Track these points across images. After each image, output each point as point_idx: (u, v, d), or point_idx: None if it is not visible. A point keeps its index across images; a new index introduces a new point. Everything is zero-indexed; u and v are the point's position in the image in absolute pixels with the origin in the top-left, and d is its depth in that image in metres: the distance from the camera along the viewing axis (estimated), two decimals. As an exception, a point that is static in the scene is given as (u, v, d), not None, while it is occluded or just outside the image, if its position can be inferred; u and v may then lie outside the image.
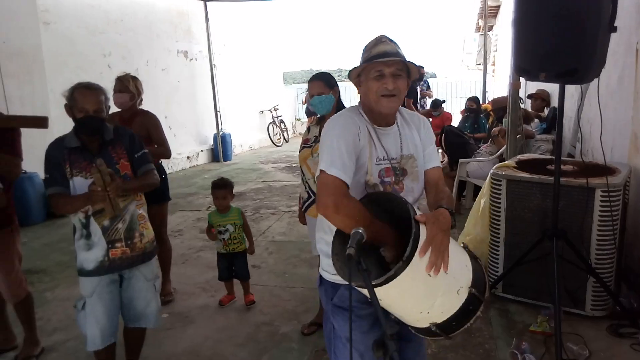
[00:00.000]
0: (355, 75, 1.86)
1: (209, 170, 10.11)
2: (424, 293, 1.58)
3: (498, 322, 3.39)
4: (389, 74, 1.75)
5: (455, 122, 8.88)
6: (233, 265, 3.81)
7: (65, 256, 5.01)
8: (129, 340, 2.86)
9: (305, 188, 3.18)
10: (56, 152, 2.46)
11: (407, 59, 1.78)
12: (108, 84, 8.32)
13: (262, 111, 13.79)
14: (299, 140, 11.88)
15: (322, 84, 3.09)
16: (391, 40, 1.82)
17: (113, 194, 2.37)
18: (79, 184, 2.43)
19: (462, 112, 8.36)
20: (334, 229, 1.77)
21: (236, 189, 7.80)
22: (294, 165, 10.41)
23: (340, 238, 1.67)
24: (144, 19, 9.11)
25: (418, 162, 1.88)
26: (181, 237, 5.66)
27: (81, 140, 2.49)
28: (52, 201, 2.46)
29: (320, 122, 3.15)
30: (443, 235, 1.54)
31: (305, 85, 17.40)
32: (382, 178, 1.80)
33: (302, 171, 3.20)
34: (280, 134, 14.11)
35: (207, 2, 10.30)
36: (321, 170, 1.68)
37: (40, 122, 3.11)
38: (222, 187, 3.76)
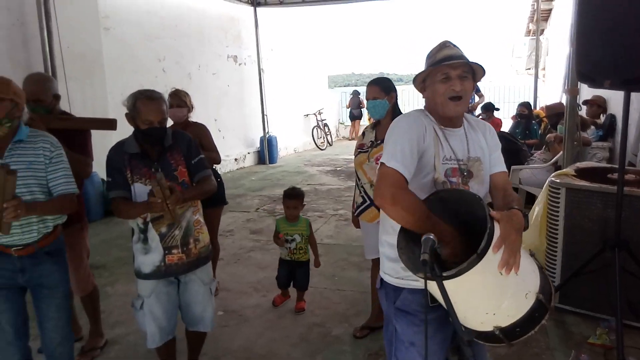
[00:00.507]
0: (420, 81, 1.89)
1: (256, 172, 10.30)
2: (493, 292, 1.58)
3: (555, 333, 3.32)
4: (456, 76, 1.78)
5: (504, 127, 8.71)
6: (293, 273, 3.87)
7: (123, 252, 5.23)
8: (190, 341, 2.94)
9: (360, 192, 3.21)
10: (117, 157, 2.51)
11: (472, 61, 1.80)
12: (162, 88, 8.57)
13: (307, 115, 13.93)
14: (342, 144, 12.08)
15: (378, 89, 3.12)
16: (454, 45, 1.85)
17: (173, 206, 2.39)
18: (139, 190, 2.48)
19: (513, 118, 8.20)
20: (396, 228, 1.79)
21: (280, 192, 7.97)
22: (338, 169, 10.47)
23: (405, 232, 1.68)
24: (197, 25, 9.38)
25: (484, 165, 1.89)
26: (232, 237, 5.80)
27: (141, 147, 2.53)
28: (113, 205, 2.52)
29: (376, 127, 3.18)
30: (516, 234, 1.55)
31: (348, 89, 17.49)
32: (447, 178, 1.81)
33: (357, 176, 3.24)
34: (324, 138, 14.20)
35: (257, 8, 10.51)
36: (381, 163, 1.71)
37: (110, 124, 3.28)
38: (294, 197, 3.81)
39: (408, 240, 1.68)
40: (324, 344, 3.34)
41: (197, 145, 2.70)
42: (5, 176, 2.04)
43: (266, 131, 11.28)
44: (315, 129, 13.94)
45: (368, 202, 3.14)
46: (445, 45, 1.84)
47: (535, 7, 12.19)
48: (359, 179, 3.21)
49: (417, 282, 1.76)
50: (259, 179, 9.50)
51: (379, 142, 3.10)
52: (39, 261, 2.39)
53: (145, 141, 2.51)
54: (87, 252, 3.23)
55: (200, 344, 2.99)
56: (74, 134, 2.81)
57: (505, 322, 1.60)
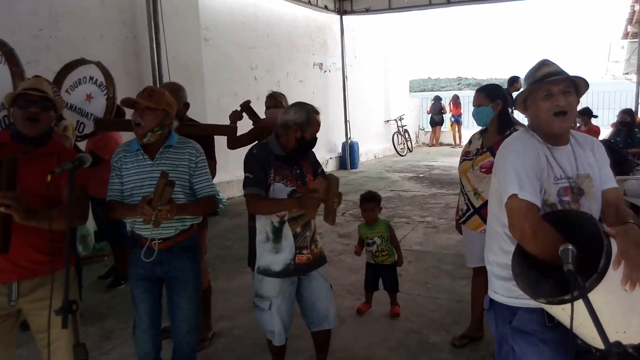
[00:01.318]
0: (522, 101, 1.89)
1: (338, 177, 10.44)
2: (619, 310, 1.55)
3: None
4: (558, 92, 1.77)
5: (602, 136, 8.26)
6: (380, 276, 3.94)
7: (220, 250, 5.53)
8: (318, 342, 3.00)
9: (465, 200, 3.22)
10: (263, 156, 2.66)
11: (574, 76, 1.79)
12: (253, 95, 8.97)
13: (388, 120, 13.93)
14: (423, 150, 11.92)
15: (483, 96, 3.11)
16: (553, 63, 1.85)
17: (337, 205, 2.57)
18: (279, 189, 2.63)
19: (612, 126, 7.76)
20: (506, 249, 1.80)
21: (367, 198, 8.06)
22: (420, 175, 10.39)
23: (520, 258, 1.68)
24: (287, 34, 9.72)
25: (594, 182, 1.85)
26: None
27: (284, 150, 2.70)
28: (251, 200, 2.62)
29: (483, 134, 3.17)
30: (636, 248, 1.52)
31: (424, 94, 17.19)
32: (560, 197, 1.80)
33: (461, 183, 3.25)
34: (404, 144, 14.13)
35: (343, 16, 10.70)
36: (513, 195, 1.70)
37: (230, 130, 3.52)
38: (370, 200, 3.89)
39: (522, 264, 1.68)
40: (423, 350, 3.38)
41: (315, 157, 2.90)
42: (164, 186, 2.27)
43: (348, 137, 11.42)
44: (395, 135, 13.90)
45: (472, 210, 3.15)
46: (544, 63, 1.85)
47: (635, 9, 11.46)
48: (463, 187, 3.22)
49: (533, 301, 1.78)
50: (342, 184, 9.53)
51: (484, 150, 3.10)
52: (175, 255, 2.60)
53: (301, 151, 2.70)
54: (205, 249, 3.46)
55: (327, 343, 3.03)
56: (200, 140, 3.04)
57: (638, 339, 1.57)
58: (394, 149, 13.77)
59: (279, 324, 2.75)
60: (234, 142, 3.78)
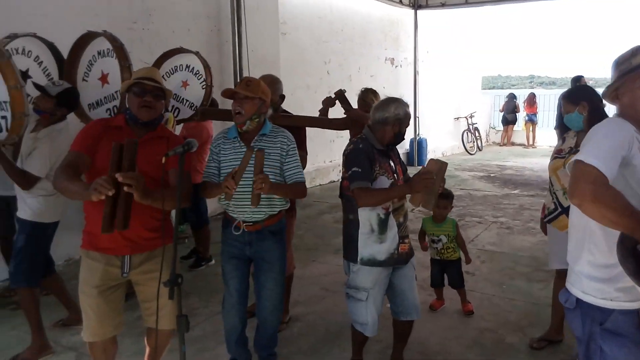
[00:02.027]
0: (613, 91, 1.82)
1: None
2: None
3: None
4: None
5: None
6: (445, 272, 3.93)
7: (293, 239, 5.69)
8: (401, 332, 3.06)
9: (552, 199, 3.15)
10: (369, 150, 2.72)
11: None
12: (325, 89, 9.10)
13: (457, 118, 13.66)
14: (493, 149, 11.57)
15: (567, 102, 3.07)
16: None
17: (440, 190, 2.67)
18: (382, 182, 2.69)
19: None
20: (602, 249, 1.76)
21: (436, 195, 7.98)
22: (492, 175, 10.15)
23: (625, 249, 1.60)
24: (360, 29, 9.76)
25: None
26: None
27: (382, 144, 2.78)
28: (362, 193, 2.61)
29: (578, 132, 3.10)
30: None
31: (495, 92, 16.55)
32: None
33: (550, 182, 3.19)
34: (474, 142, 13.80)
35: (418, 10, 10.59)
36: (577, 161, 1.61)
37: (323, 123, 3.62)
38: (445, 197, 3.84)
39: (626, 255, 1.64)
40: (499, 350, 3.35)
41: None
42: (256, 153, 2.43)
43: (417, 133, 11.32)
44: (465, 133, 13.61)
45: (560, 209, 3.08)
46: (638, 50, 1.76)
47: None
48: (552, 185, 3.16)
49: (630, 303, 1.74)
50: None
51: (577, 149, 3.03)
52: (264, 237, 2.76)
53: (395, 143, 2.82)
54: (292, 237, 3.61)
55: (409, 334, 3.08)
56: (293, 131, 3.17)
57: None
58: (462, 147, 13.50)
59: (373, 315, 2.81)
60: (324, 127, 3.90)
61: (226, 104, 5.76)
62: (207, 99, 4.25)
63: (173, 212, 2.61)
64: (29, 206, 3.20)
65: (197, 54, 4.23)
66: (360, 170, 2.64)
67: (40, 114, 3.20)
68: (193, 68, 4.33)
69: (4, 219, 3.99)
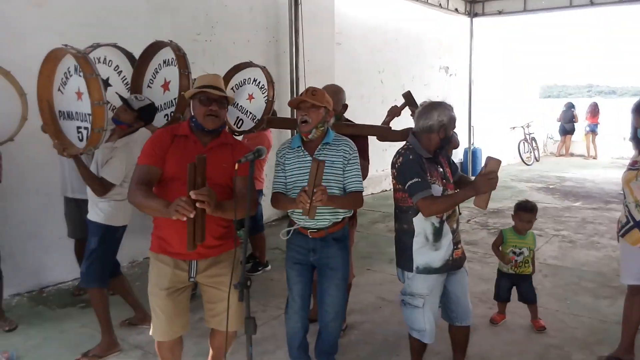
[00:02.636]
0: None
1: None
2: None
3: None
4: None
5: None
6: (514, 287, 3.81)
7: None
8: (459, 339, 3.01)
9: (625, 212, 3.03)
10: (420, 160, 2.72)
11: None
12: (379, 98, 9.08)
13: (514, 127, 13.29)
14: (551, 160, 11.17)
15: (635, 117, 2.99)
16: None
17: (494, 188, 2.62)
18: (435, 191, 2.67)
19: None
20: None
21: (492, 205, 7.77)
22: (551, 186, 9.82)
23: None
24: (415, 38, 9.72)
25: None
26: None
27: (426, 150, 2.77)
28: (427, 202, 2.59)
29: None
30: None
31: (550, 101, 15.88)
32: None
33: (624, 193, 3.06)
34: (530, 152, 13.39)
35: (474, 19, 10.43)
36: None
37: (385, 131, 3.64)
38: (530, 211, 3.76)
39: None
40: (565, 367, 3.24)
41: None
42: (318, 165, 2.43)
43: (471, 143, 11.11)
44: (521, 143, 13.22)
45: (632, 223, 2.96)
46: None
47: None
48: (625, 197, 3.04)
49: None
50: (464, 190, 9.39)
51: None
52: (328, 245, 2.80)
53: (442, 147, 2.78)
54: (352, 244, 3.63)
55: (466, 342, 3.04)
56: (355, 139, 3.20)
57: None
58: (519, 158, 13.11)
59: (431, 321, 2.80)
60: (384, 137, 3.88)
61: (284, 114, 5.88)
62: (267, 112, 4.35)
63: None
64: (100, 210, 3.36)
65: (263, 69, 4.34)
66: (419, 180, 2.63)
67: (118, 124, 3.36)
68: (259, 82, 4.45)
69: (77, 222, 4.22)
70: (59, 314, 4.14)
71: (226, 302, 2.55)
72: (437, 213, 2.67)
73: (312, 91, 2.72)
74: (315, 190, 2.42)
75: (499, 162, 2.58)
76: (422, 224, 2.72)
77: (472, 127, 11.04)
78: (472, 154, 11.14)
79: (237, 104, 4.19)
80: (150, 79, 3.90)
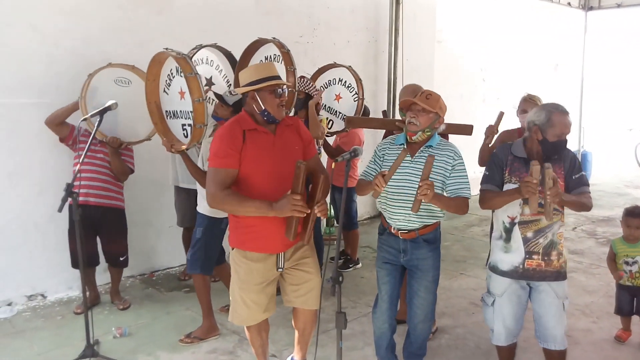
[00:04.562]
0: None
1: (550, 167, 9.57)
2: None
3: None
4: None
5: None
6: (635, 299, 3.53)
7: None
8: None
9: None
10: (502, 156, 2.71)
11: None
12: (479, 98, 8.74)
13: (631, 129, 12.16)
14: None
15: None
16: None
17: (551, 198, 2.38)
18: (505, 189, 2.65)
19: None
20: None
21: (602, 213, 7.23)
22: (675, 195, 8.89)
23: None
24: (521, 34, 9.21)
25: None
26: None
27: (527, 152, 2.67)
28: (482, 195, 2.73)
29: None
30: None
31: None
32: None
33: None
34: (650, 157, 12.17)
35: (588, 12, 9.71)
36: None
37: (466, 129, 3.57)
38: (638, 216, 3.49)
39: None
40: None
41: (580, 163, 2.73)
42: (429, 160, 2.50)
43: (580, 145, 10.36)
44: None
45: None
46: None
47: None
48: None
49: None
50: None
51: None
52: (418, 246, 2.80)
53: (551, 153, 2.60)
54: None
55: None
56: None
57: None
58: (636, 162, 11.98)
59: (498, 324, 2.77)
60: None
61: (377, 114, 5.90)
62: (359, 111, 4.40)
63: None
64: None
65: (349, 68, 4.40)
66: (487, 173, 2.75)
67: (218, 120, 3.59)
68: (345, 81, 4.52)
69: (186, 211, 4.57)
70: (166, 296, 4.52)
71: (310, 282, 2.78)
72: (487, 207, 2.74)
73: (426, 94, 2.72)
74: (421, 184, 2.44)
75: (543, 168, 2.39)
76: (497, 220, 2.75)
77: (582, 128, 10.29)
78: (582, 157, 10.37)
79: (325, 105, 4.28)
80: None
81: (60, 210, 3.02)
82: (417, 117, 2.67)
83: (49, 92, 4.19)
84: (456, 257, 5.44)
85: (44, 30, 4.24)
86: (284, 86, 2.60)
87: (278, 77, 2.58)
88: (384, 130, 3.97)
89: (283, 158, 2.58)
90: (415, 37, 7.18)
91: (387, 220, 2.86)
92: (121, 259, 4.23)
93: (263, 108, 2.55)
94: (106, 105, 3.44)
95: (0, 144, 4.11)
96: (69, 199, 3.06)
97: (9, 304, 4.20)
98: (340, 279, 2.40)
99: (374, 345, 3.12)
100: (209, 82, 3.94)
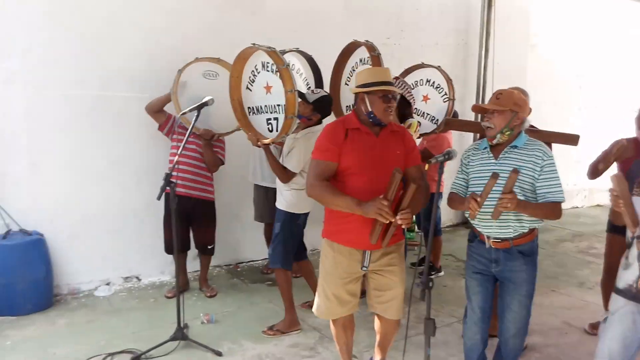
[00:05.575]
0: None
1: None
2: None
3: None
4: None
5: None
6: None
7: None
8: None
9: None
10: (636, 168, 2.49)
11: None
12: (574, 106, 8.22)
13: None
14: None
15: None
16: None
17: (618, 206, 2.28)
18: (635, 203, 2.38)
19: None
20: None
21: None
22: None
23: None
24: (625, 38, 8.59)
25: None
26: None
27: None
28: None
29: None
30: None
31: None
32: None
33: None
34: None
35: None
36: None
37: (572, 139, 3.36)
38: None
39: None
40: None
41: None
42: (512, 175, 2.36)
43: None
44: None
45: None
46: None
47: None
48: None
49: None
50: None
51: None
52: (512, 257, 2.64)
53: None
54: None
55: None
56: None
57: None
58: None
59: (602, 346, 2.48)
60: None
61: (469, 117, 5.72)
62: (449, 112, 4.28)
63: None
64: (284, 198, 3.66)
65: (438, 68, 4.30)
66: None
67: (300, 118, 3.64)
68: (434, 82, 4.41)
69: (262, 207, 4.69)
70: (250, 288, 4.64)
71: (393, 290, 2.75)
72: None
73: (497, 95, 2.62)
74: (502, 197, 2.37)
75: (621, 180, 2.27)
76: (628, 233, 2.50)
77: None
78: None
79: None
80: (348, 77, 4.14)
81: (159, 198, 3.22)
82: (492, 120, 2.57)
83: (149, 87, 4.44)
84: (547, 273, 5.14)
85: (146, 29, 4.51)
86: (394, 93, 2.64)
87: (390, 84, 2.64)
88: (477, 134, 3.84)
89: (382, 161, 2.58)
90: (507, 40, 6.90)
91: (477, 228, 2.74)
92: (209, 247, 4.43)
93: (370, 110, 2.62)
94: (203, 100, 3.58)
95: (104, 135, 4.42)
96: (167, 188, 3.23)
97: (107, 284, 4.51)
98: (431, 284, 2.34)
99: (458, 356, 3.01)
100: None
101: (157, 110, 4.20)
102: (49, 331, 3.69)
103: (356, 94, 2.68)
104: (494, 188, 2.43)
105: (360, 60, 4.01)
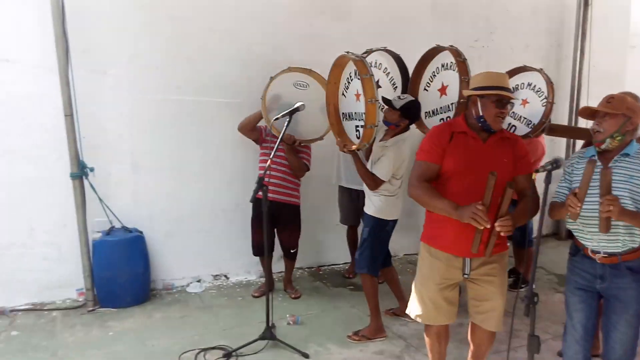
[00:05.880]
0: None
1: None
2: None
3: None
4: None
5: None
6: None
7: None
8: None
9: None
10: None
11: None
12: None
13: None
14: None
15: None
16: None
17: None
18: None
19: None
20: None
21: None
22: None
23: None
24: None
25: None
26: None
27: None
28: None
29: None
30: None
31: None
32: None
33: None
34: None
35: None
36: None
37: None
38: None
39: None
40: None
41: None
42: (604, 173, 2.27)
43: None
44: None
45: None
46: None
47: None
48: None
49: None
50: None
51: None
52: (620, 273, 2.47)
53: None
54: None
55: None
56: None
57: None
58: None
59: None
60: None
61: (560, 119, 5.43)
62: (546, 115, 4.09)
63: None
64: (373, 203, 3.65)
65: (540, 71, 4.12)
66: None
67: (388, 125, 3.62)
68: (535, 86, 4.23)
69: (348, 209, 4.70)
70: (332, 291, 4.68)
71: (492, 302, 2.70)
72: None
73: (607, 98, 2.49)
74: (601, 201, 2.25)
75: None
76: None
77: None
78: None
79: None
80: (428, 82, 4.06)
81: (252, 200, 3.34)
82: (601, 124, 2.43)
83: (241, 93, 4.60)
84: None
85: (239, 36, 4.67)
86: (509, 99, 2.58)
87: (507, 90, 2.59)
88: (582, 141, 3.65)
89: (485, 167, 2.50)
90: (605, 42, 6.48)
91: (581, 241, 2.59)
92: (292, 251, 4.50)
93: (480, 114, 2.59)
94: (295, 106, 3.65)
95: (199, 138, 4.63)
96: (259, 193, 3.33)
97: (199, 281, 4.73)
98: (536, 299, 2.24)
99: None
100: (377, 86, 3.99)
101: (250, 128, 4.29)
102: (147, 324, 3.92)
103: (468, 96, 2.65)
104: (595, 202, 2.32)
105: (442, 66, 3.92)
